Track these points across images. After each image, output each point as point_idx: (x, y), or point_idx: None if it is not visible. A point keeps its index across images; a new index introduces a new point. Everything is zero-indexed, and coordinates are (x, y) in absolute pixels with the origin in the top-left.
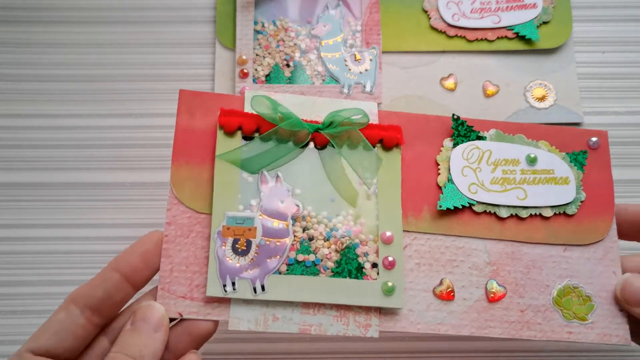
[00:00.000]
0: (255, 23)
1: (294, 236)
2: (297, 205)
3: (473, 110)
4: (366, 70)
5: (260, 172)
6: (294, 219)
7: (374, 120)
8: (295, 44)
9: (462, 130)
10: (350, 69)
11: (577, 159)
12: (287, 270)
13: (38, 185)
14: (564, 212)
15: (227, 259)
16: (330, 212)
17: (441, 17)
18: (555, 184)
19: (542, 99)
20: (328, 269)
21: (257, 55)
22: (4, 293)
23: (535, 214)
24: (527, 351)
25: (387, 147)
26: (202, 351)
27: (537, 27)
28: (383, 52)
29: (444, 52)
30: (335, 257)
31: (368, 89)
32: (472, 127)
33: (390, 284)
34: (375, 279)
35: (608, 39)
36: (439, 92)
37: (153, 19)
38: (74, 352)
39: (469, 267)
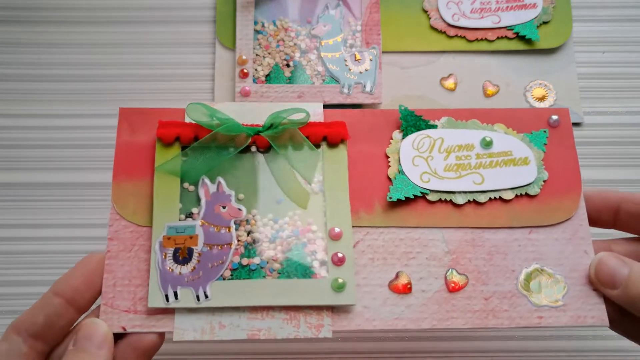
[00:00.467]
0: (255, 23)
1: (238, 240)
2: (240, 210)
3: None
4: (366, 70)
5: (200, 179)
6: (238, 224)
7: (319, 120)
8: (295, 44)
9: (411, 121)
10: (350, 69)
11: (537, 139)
12: (232, 275)
13: (38, 185)
14: (525, 193)
15: (169, 268)
16: (276, 214)
17: (441, 17)
18: (514, 165)
19: (542, 99)
20: (274, 270)
21: (257, 55)
22: (4, 293)
23: (495, 197)
24: (524, 351)
25: (332, 144)
26: (195, 351)
27: (537, 27)
28: (383, 52)
29: (444, 52)
30: (282, 258)
31: (368, 88)
32: (421, 116)
33: (340, 280)
34: (325, 276)
35: (608, 39)
36: (439, 92)
37: (153, 19)
38: None
39: (427, 257)
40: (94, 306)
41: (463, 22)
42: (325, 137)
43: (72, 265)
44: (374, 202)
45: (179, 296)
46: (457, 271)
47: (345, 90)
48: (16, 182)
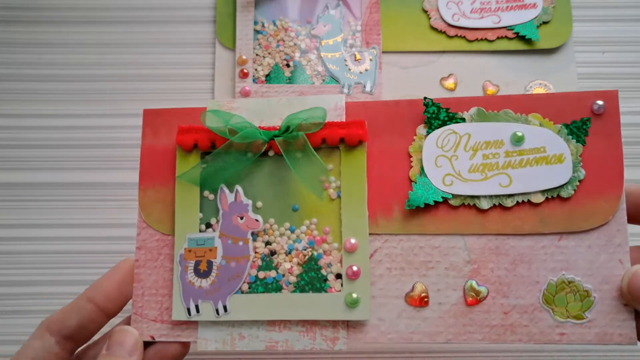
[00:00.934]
0: (255, 23)
1: (255, 252)
2: (257, 221)
3: None
4: (366, 70)
5: (219, 188)
6: (256, 234)
7: (340, 114)
8: (295, 44)
9: (436, 114)
10: (350, 69)
11: (577, 130)
12: (249, 289)
13: (38, 185)
14: (557, 195)
15: (190, 282)
16: (293, 223)
17: (441, 17)
18: (547, 163)
19: None
20: (290, 284)
21: (257, 55)
22: (4, 293)
23: (523, 201)
24: (525, 351)
25: (349, 146)
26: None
27: (537, 27)
28: (383, 52)
29: (444, 52)
30: (298, 270)
31: (368, 88)
32: (448, 108)
33: (354, 295)
34: (339, 290)
35: (608, 39)
36: (439, 92)
37: (153, 19)
38: None
39: (446, 267)
40: (123, 311)
41: (463, 22)
42: (343, 138)
43: (70, 265)
44: (394, 207)
45: (200, 310)
46: (477, 282)
47: (345, 90)
48: (16, 182)
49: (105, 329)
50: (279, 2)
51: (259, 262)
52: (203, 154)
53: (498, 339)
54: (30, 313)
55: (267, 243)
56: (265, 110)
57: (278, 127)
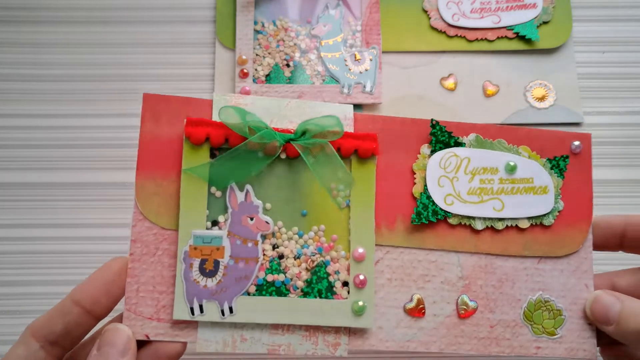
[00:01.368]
0: (255, 23)
1: (264, 255)
2: (267, 223)
3: (473, 110)
4: (366, 70)
5: (229, 186)
6: (264, 236)
7: (349, 124)
8: (295, 44)
9: (440, 136)
10: (350, 69)
11: (558, 165)
12: (256, 291)
13: (38, 185)
14: (540, 222)
15: (194, 281)
16: (301, 228)
17: (441, 17)
18: (534, 193)
19: (542, 99)
20: (298, 288)
21: (257, 55)
22: (4, 293)
23: (512, 225)
24: None
25: (362, 158)
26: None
27: (537, 27)
28: (383, 52)
29: (444, 52)
30: (306, 276)
31: (368, 88)
32: (451, 132)
33: (360, 303)
34: (346, 298)
35: (608, 39)
36: (439, 92)
37: (153, 19)
38: None
39: (441, 281)
40: (114, 311)
41: (463, 22)
42: (356, 150)
43: (70, 264)
44: (396, 219)
45: (204, 310)
46: (468, 297)
47: (345, 90)
48: (16, 182)
49: (97, 327)
50: (279, 2)
51: (267, 265)
52: (213, 149)
53: (484, 350)
54: (30, 313)
55: (275, 246)
56: (274, 110)
57: (289, 130)
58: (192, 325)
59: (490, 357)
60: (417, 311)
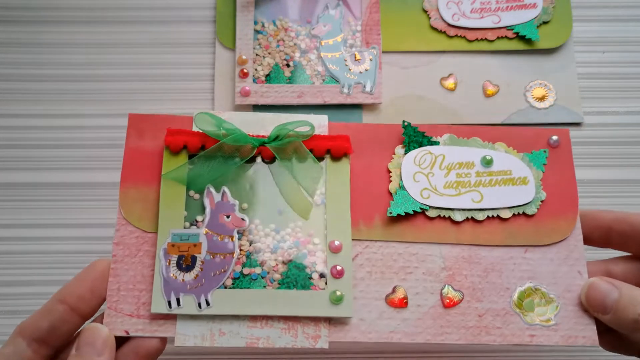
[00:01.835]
0: (255, 23)
1: (240, 250)
2: (243, 220)
3: (473, 110)
4: (366, 70)
5: (206, 188)
6: (241, 233)
7: (323, 132)
8: (295, 44)
9: (413, 137)
10: (350, 69)
11: (537, 159)
12: (233, 284)
13: (38, 185)
14: (523, 212)
15: (172, 275)
16: (278, 225)
17: (441, 17)
18: (514, 184)
19: (542, 99)
20: (275, 281)
21: (257, 55)
22: (4, 293)
23: (493, 215)
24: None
25: (335, 157)
26: (196, 351)
27: (537, 27)
28: (383, 52)
29: (444, 52)
30: (283, 268)
31: (368, 88)
32: (424, 132)
33: (338, 293)
34: (323, 288)
35: (608, 39)
36: (439, 92)
37: (153, 19)
38: None
39: (423, 273)
40: (99, 312)
41: (463, 22)
42: (329, 150)
43: (70, 264)
44: (374, 216)
45: (181, 303)
46: (452, 287)
47: (345, 90)
48: (16, 182)
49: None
50: (279, 2)
51: (244, 259)
52: (191, 156)
53: (474, 339)
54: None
55: (252, 242)
56: (252, 122)
57: (264, 136)
58: (170, 320)
59: (481, 346)
60: (399, 302)
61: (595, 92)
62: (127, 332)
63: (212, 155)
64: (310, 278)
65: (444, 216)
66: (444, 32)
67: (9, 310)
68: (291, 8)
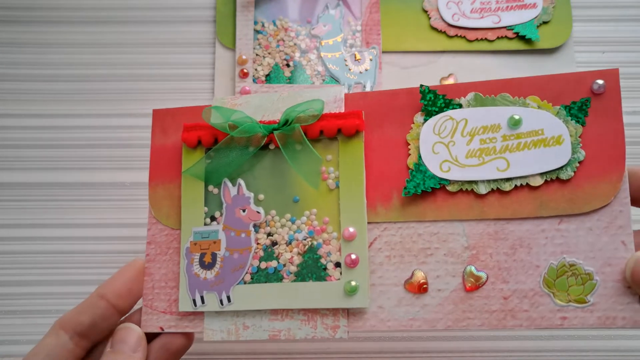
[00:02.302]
0: (255, 23)
1: (257, 244)
2: (259, 213)
3: None
4: (366, 70)
5: (222, 182)
6: (258, 226)
7: (339, 105)
8: (295, 44)
9: (433, 101)
10: (350, 69)
11: (577, 110)
12: (252, 279)
13: (38, 185)
14: (557, 177)
15: (196, 274)
16: (294, 214)
17: (441, 17)
18: (545, 146)
19: None
20: (291, 273)
21: (257, 55)
22: (4, 293)
23: (521, 184)
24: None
25: (347, 136)
26: (204, 351)
27: (537, 27)
28: (383, 52)
29: (444, 52)
30: (298, 260)
31: (368, 88)
32: (444, 95)
33: (353, 283)
34: (339, 279)
35: (608, 39)
36: None
37: (153, 19)
38: None
39: (444, 254)
40: (134, 308)
41: (463, 22)
42: (340, 129)
43: (71, 264)
44: (392, 195)
45: (205, 300)
46: (475, 268)
47: (345, 90)
48: (16, 182)
49: None
50: (279, 2)
51: (261, 253)
52: (207, 150)
53: (498, 324)
54: (30, 313)
55: (269, 234)
56: (267, 105)
57: (276, 121)
58: (199, 316)
59: (490, 344)
60: (419, 287)
61: None
62: (162, 329)
63: (226, 148)
64: (325, 269)
65: (467, 190)
66: (444, 32)
67: (8, 310)
68: (291, 8)
